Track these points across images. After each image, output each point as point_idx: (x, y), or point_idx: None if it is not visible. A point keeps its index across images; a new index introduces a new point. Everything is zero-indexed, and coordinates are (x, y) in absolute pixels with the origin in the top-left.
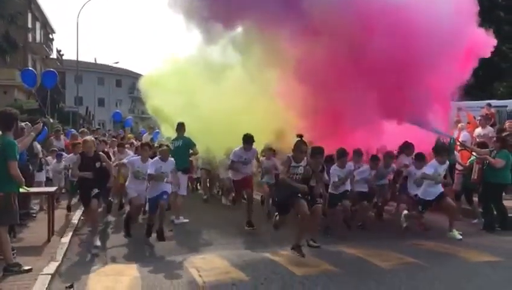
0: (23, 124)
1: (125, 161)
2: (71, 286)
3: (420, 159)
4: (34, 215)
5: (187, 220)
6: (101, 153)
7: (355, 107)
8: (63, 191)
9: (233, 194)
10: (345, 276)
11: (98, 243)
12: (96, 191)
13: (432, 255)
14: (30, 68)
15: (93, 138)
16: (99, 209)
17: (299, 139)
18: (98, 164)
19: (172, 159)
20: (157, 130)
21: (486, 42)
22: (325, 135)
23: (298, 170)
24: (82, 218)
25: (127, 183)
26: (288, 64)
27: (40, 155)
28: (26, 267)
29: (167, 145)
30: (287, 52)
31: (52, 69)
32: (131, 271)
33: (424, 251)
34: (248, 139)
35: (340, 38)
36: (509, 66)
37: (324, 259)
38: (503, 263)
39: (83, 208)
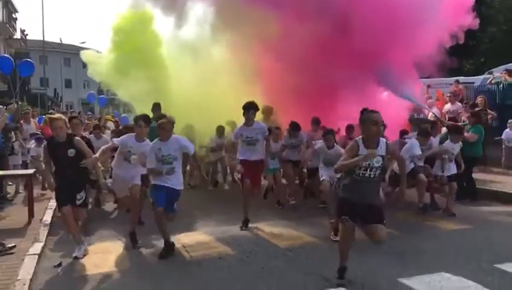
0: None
1: (115, 140)
2: (59, 265)
3: (459, 132)
4: (11, 198)
5: None
6: (75, 136)
7: (343, 81)
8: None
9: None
10: (326, 247)
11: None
12: (82, 197)
13: (405, 225)
14: (7, 55)
15: (63, 116)
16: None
17: (367, 109)
18: (71, 152)
19: (177, 136)
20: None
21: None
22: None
23: (374, 162)
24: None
25: (113, 165)
26: (272, 41)
27: (13, 139)
28: (10, 245)
29: (164, 117)
30: (270, 29)
31: (30, 60)
32: (117, 249)
33: (398, 222)
34: (248, 108)
35: (323, 13)
36: (476, 44)
37: (305, 232)
38: (471, 230)
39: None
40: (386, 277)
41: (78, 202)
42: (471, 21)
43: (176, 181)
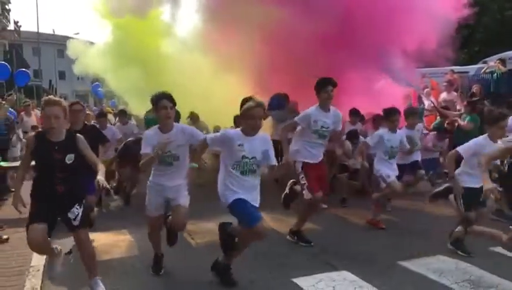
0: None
1: (143, 153)
2: (70, 252)
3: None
4: (13, 189)
5: None
6: (78, 136)
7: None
8: None
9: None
10: (327, 232)
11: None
12: (77, 213)
13: (402, 211)
14: (3, 62)
15: (63, 101)
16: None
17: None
18: (70, 158)
19: (265, 134)
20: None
21: None
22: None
23: None
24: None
25: (151, 179)
26: (274, 31)
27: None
28: (4, 237)
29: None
30: (272, 18)
31: (26, 70)
32: (124, 237)
33: (395, 208)
34: (327, 83)
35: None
36: (471, 33)
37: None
38: None
39: None
40: (386, 260)
41: (75, 223)
42: (468, 12)
43: (256, 195)
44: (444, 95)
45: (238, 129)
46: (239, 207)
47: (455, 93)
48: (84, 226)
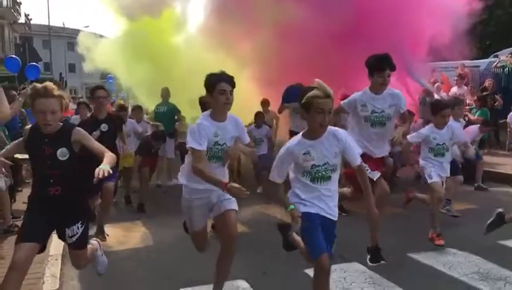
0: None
1: (192, 145)
2: None
3: None
4: (28, 181)
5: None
6: (77, 129)
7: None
8: None
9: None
10: (339, 225)
11: None
12: (77, 232)
13: (412, 204)
14: (14, 56)
15: (59, 89)
16: None
17: None
18: (63, 153)
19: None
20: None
21: None
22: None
23: None
24: None
25: (183, 178)
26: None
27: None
28: None
29: None
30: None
31: (36, 64)
32: (138, 228)
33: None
34: (383, 62)
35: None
36: (483, 27)
37: None
38: (478, 210)
39: None
40: (396, 252)
41: (70, 240)
42: (481, 5)
43: (333, 206)
44: (454, 89)
45: (298, 135)
46: (303, 226)
47: (465, 88)
48: (82, 248)
